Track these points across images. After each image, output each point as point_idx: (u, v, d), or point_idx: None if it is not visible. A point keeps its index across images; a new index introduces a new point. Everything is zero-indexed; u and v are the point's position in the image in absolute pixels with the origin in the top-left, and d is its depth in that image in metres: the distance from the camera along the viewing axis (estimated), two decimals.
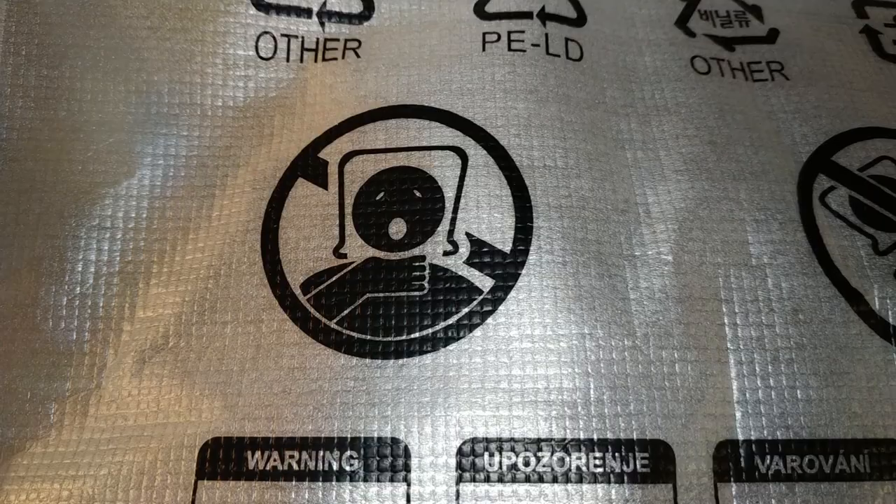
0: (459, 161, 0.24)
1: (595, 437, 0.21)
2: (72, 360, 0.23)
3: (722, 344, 0.22)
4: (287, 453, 0.21)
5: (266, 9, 0.27)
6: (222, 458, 0.21)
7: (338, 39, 0.28)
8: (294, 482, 0.20)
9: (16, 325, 0.23)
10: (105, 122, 0.25)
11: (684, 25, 0.29)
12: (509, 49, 0.26)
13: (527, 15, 0.27)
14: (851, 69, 0.28)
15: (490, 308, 0.22)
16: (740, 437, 0.21)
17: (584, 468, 0.20)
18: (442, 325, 0.22)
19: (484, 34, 0.27)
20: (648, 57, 0.28)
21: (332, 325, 0.22)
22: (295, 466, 0.21)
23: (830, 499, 0.21)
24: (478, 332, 0.22)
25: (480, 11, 0.28)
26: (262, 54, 0.27)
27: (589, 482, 0.20)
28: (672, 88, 0.27)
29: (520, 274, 0.23)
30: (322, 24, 0.28)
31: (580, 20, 0.28)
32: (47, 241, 0.24)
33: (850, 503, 0.21)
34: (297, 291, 0.23)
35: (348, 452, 0.21)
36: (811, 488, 0.21)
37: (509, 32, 0.27)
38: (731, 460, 0.21)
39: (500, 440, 0.21)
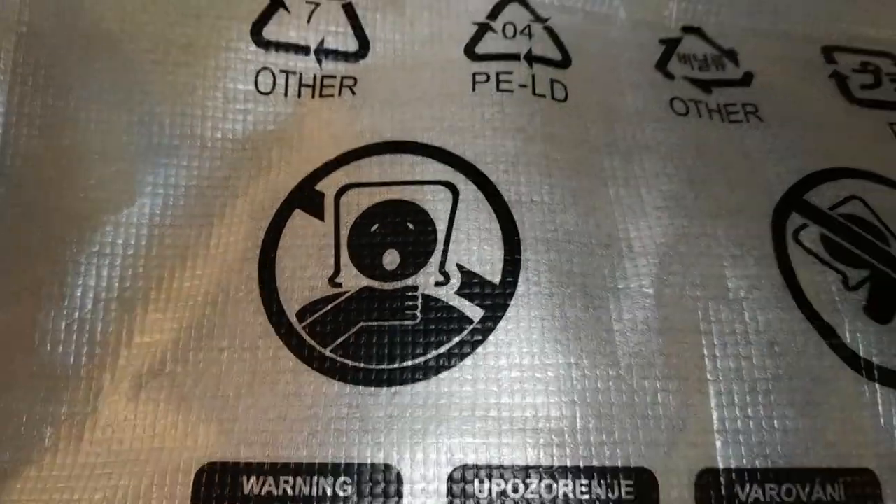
0: (451, 195, 0.25)
1: (581, 464, 0.21)
2: (68, 384, 0.24)
3: (702, 374, 0.23)
4: (282, 479, 0.21)
5: (266, 45, 0.28)
6: (217, 483, 0.21)
7: (334, 77, 0.29)
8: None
9: (14, 348, 0.24)
10: (108, 151, 0.26)
11: (664, 68, 0.31)
12: (498, 89, 0.28)
13: (514, 57, 0.29)
14: (822, 112, 0.30)
15: (480, 338, 0.23)
16: (721, 466, 0.22)
17: (570, 495, 0.21)
18: (434, 353, 0.23)
19: (474, 74, 0.28)
20: (630, 98, 0.29)
21: (327, 352, 0.23)
22: (290, 492, 0.21)
23: None
24: (468, 360, 0.23)
25: (470, 53, 0.29)
26: (262, 89, 0.28)
27: None
28: (653, 128, 0.28)
29: (509, 305, 0.23)
30: (319, 61, 0.29)
31: (565, 62, 0.30)
32: (48, 266, 0.24)
33: None
34: (293, 319, 0.24)
35: (342, 478, 0.21)
36: None
37: (498, 73, 0.28)
38: (712, 488, 0.22)
39: (489, 467, 0.21)
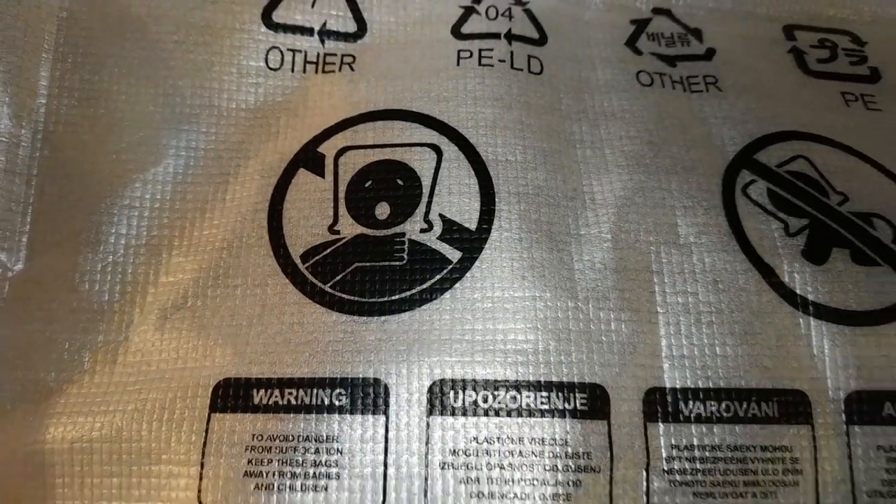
0: (435, 155, 0.29)
1: (542, 379, 0.25)
2: (104, 317, 0.27)
3: (652, 307, 0.26)
4: (287, 391, 0.25)
5: (275, 27, 0.32)
6: (232, 395, 0.25)
7: (335, 54, 0.32)
8: (292, 414, 0.24)
9: (58, 287, 0.27)
10: (136, 119, 0.30)
11: (633, 45, 0.34)
12: (479, 64, 0.31)
13: (496, 36, 0.32)
14: (777, 83, 0.33)
15: (458, 275, 0.26)
16: (667, 385, 0.25)
17: (532, 405, 0.24)
18: (418, 288, 0.26)
19: (458, 51, 0.32)
20: (600, 72, 0.32)
21: (326, 288, 0.27)
22: (293, 402, 0.25)
23: (744, 437, 0.25)
24: (447, 294, 0.26)
25: (456, 33, 0.33)
26: (271, 65, 0.32)
27: (537, 417, 0.24)
28: (619, 98, 0.31)
29: (483, 248, 0.27)
30: (322, 41, 0.32)
31: (542, 40, 0.33)
32: (86, 218, 0.28)
33: (762, 441, 0.25)
34: (297, 261, 0.27)
35: (338, 390, 0.25)
36: (727, 429, 0.25)
37: (480, 50, 0.32)
38: (658, 404, 0.25)
39: (464, 381, 0.25)
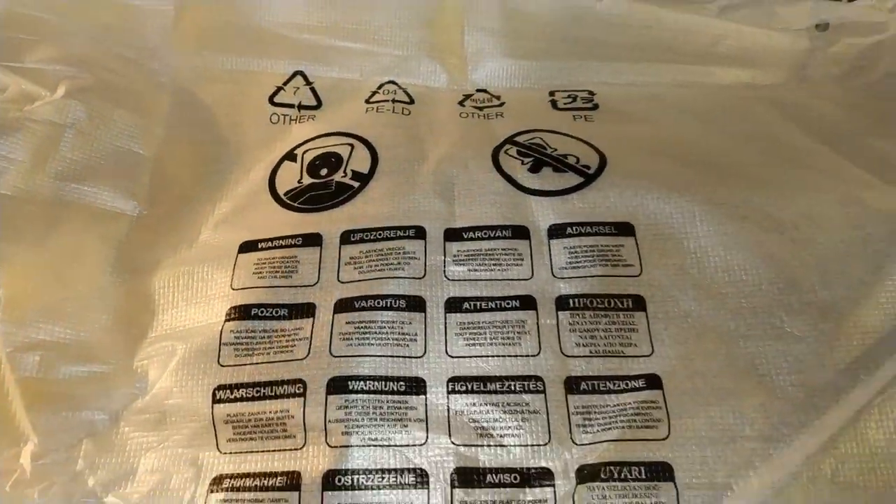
0: (350, 148, 0.58)
1: (390, 225, 0.52)
2: (186, 230, 0.55)
3: (452, 196, 0.53)
4: (275, 241, 0.52)
5: (275, 104, 0.64)
6: (248, 246, 0.52)
7: (305, 116, 0.64)
8: (276, 250, 0.51)
9: (163, 221, 0.56)
10: (204, 146, 0.60)
11: (462, 104, 0.65)
12: (377, 112, 0.62)
13: (387, 100, 0.63)
14: (537, 114, 0.63)
15: (358, 192, 0.54)
16: (457, 226, 0.52)
17: (387, 235, 0.51)
18: (339, 199, 0.54)
19: (366, 108, 0.63)
20: (441, 114, 0.63)
21: (296, 204, 0.55)
22: (277, 245, 0.52)
23: (493, 245, 0.51)
24: (350, 200, 0.54)
25: (367, 101, 0.64)
26: (273, 122, 0.63)
27: (389, 240, 0.51)
28: (449, 123, 0.61)
29: (370, 180, 0.55)
30: (299, 110, 0.64)
31: (411, 102, 0.64)
32: (180, 190, 0.58)
33: (501, 247, 0.51)
34: (283, 196, 0.56)
35: (298, 238, 0.52)
36: (485, 242, 0.51)
37: (377, 106, 0.63)
38: (451, 233, 0.51)
39: (357, 230, 0.52)
